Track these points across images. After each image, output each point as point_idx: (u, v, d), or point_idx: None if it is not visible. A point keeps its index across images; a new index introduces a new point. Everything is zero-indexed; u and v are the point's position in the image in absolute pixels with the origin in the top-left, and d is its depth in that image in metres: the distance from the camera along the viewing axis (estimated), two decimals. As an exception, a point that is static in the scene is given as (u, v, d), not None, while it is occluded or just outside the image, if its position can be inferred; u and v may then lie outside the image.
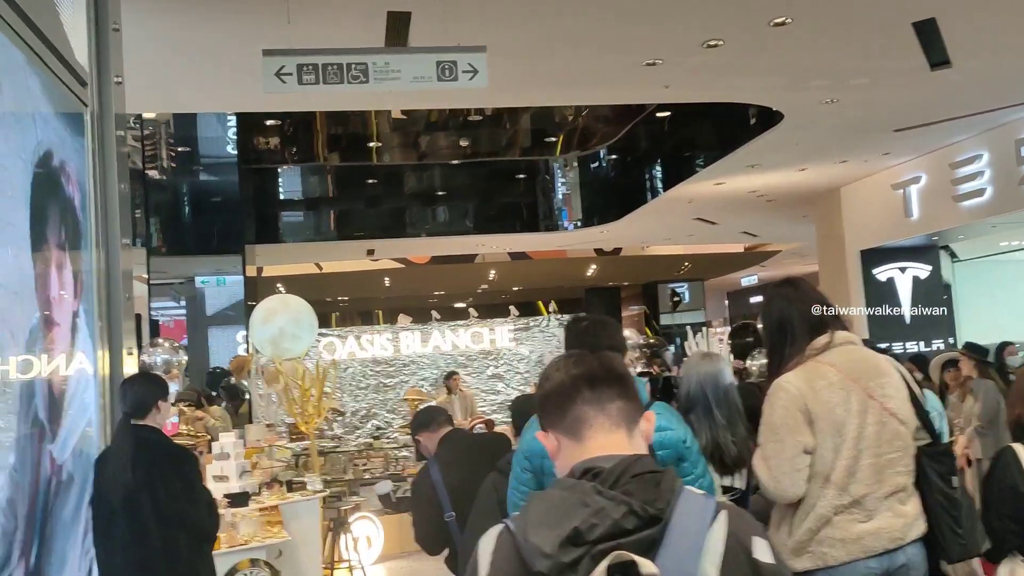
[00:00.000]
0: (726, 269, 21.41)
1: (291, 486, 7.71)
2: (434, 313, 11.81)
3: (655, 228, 14.75)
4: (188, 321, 15.58)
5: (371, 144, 14.83)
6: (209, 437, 7.57)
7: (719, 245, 18.55)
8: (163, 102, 8.14)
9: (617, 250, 18.08)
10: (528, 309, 13.64)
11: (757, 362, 8.67)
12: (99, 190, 3.98)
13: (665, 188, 11.91)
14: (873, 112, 8.01)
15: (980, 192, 9.21)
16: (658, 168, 12.54)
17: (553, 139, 14.56)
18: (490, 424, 9.18)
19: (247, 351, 12.11)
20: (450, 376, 10.59)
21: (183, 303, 15.98)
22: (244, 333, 14.41)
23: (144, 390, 3.60)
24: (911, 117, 8.20)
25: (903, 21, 5.67)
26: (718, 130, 10.37)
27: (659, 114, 11.40)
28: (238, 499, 6.73)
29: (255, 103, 8.33)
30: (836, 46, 6.20)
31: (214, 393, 10.78)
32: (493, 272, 18.28)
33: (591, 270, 18.81)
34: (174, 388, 8.42)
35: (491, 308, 12.30)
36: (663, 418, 2.52)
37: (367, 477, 8.47)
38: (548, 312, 12.01)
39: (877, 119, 8.27)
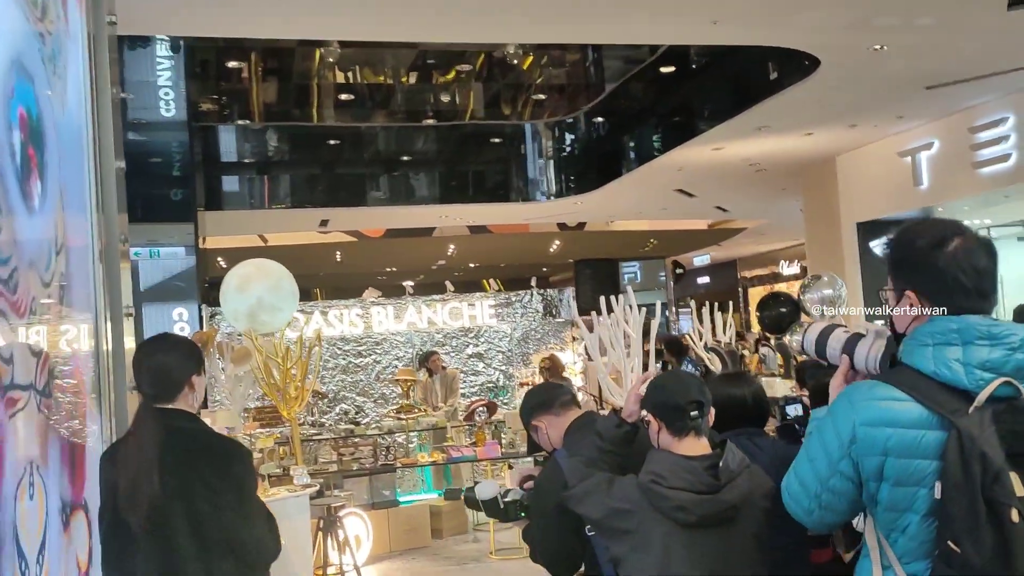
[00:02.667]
0: (688, 247, 20.93)
1: (271, 481, 6.67)
2: (408, 285, 10.78)
3: (632, 200, 14.02)
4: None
5: (331, 99, 13.57)
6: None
7: (685, 222, 17.99)
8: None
9: (581, 225, 17.30)
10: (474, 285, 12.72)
11: (799, 337, 7.99)
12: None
13: (657, 153, 11.13)
14: (917, 63, 7.41)
15: (1004, 158, 8.72)
16: (650, 132, 11.75)
17: (535, 99, 13.59)
18: (492, 406, 8.27)
19: (187, 331, 10.89)
20: (428, 356, 9.63)
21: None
22: (182, 311, 13.15)
23: (170, 361, 2.58)
24: (955, 70, 7.63)
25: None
26: (731, 87, 9.63)
27: (663, 69, 10.59)
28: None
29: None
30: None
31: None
32: (452, 247, 17.27)
33: (554, 246, 17.98)
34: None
35: (440, 287, 11.34)
36: None
37: (355, 468, 7.44)
38: (490, 288, 11.11)
39: (917, 72, 7.67)
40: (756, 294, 25.02)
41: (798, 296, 7.98)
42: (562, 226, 17.11)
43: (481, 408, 8.00)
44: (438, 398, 9.36)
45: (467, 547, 7.94)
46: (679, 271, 18.28)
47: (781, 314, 7.82)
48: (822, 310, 7.78)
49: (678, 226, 17.94)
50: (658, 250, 19.67)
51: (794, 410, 3.12)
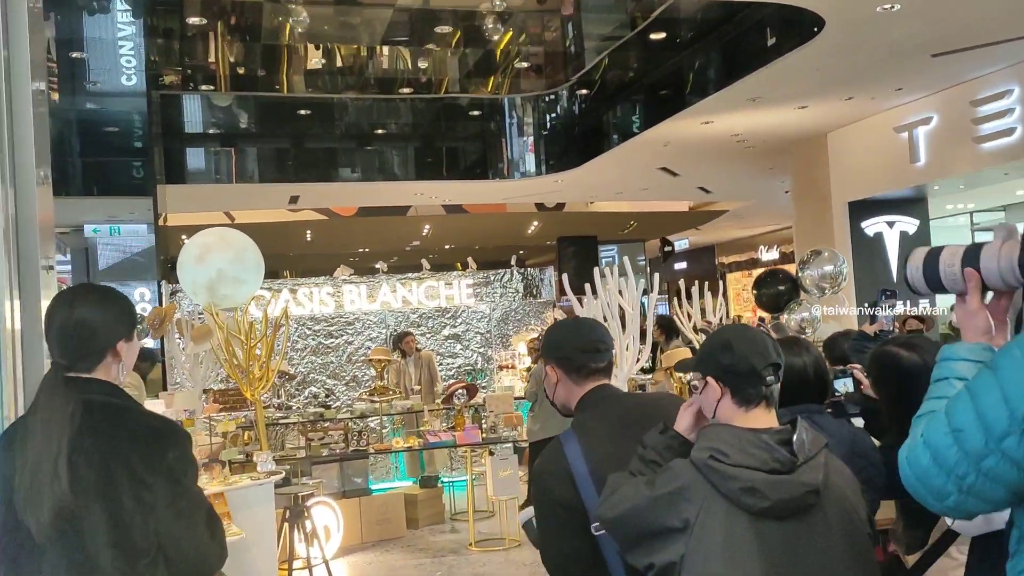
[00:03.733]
0: (668, 230, 20.54)
1: (233, 467, 6.13)
2: (380, 264, 10.22)
3: (613, 179, 13.56)
4: (73, 279, 13.46)
5: (300, 68, 12.91)
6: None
7: (666, 203, 17.59)
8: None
9: (560, 206, 16.82)
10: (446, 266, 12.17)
11: (797, 315, 7.59)
12: None
13: (643, 128, 10.66)
14: (925, 28, 6.99)
15: (1008, 132, 8.37)
16: (636, 105, 11.27)
17: (515, 71, 13.02)
18: (472, 389, 7.77)
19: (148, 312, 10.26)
20: (402, 338, 9.11)
21: (68, 256, 13.84)
22: (144, 291, 12.51)
23: (93, 319, 2.05)
24: (963, 37, 7.22)
25: None
26: (725, 56, 9.18)
27: (653, 36, 10.10)
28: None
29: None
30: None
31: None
32: (427, 227, 16.70)
33: (532, 227, 17.49)
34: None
35: (415, 269, 10.77)
36: None
37: (324, 454, 6.91)
38: (464, 269, 10.60)
39: (924, 38, 7.26)
40: (734, 280, 24.77)
41: (796, 273, 7.59)
42: (540, 207, 16.61)
43: (460, 391, 7.50)
44: (412, 381, 8.85)
45: (444, 538, 7.46)
46: (667, 248, 17.74)
47: (779, 292, 7.43)
48: (823, 288, 7.39)
49: (659, 207, 17.54)
50: (638, 232, 19.26)
51: (843, 385, 2.67)
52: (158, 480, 1.97)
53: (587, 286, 6.32)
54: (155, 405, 5.44)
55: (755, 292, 7.52)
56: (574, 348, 2.25)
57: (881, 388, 2.49)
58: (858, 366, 2.81)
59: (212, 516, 2.08)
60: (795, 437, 1.71)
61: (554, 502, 2.11)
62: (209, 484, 5.47)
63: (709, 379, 1.82)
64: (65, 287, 2.25)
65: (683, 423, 1.89)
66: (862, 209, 10.71)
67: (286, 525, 6.16)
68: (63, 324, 2.04)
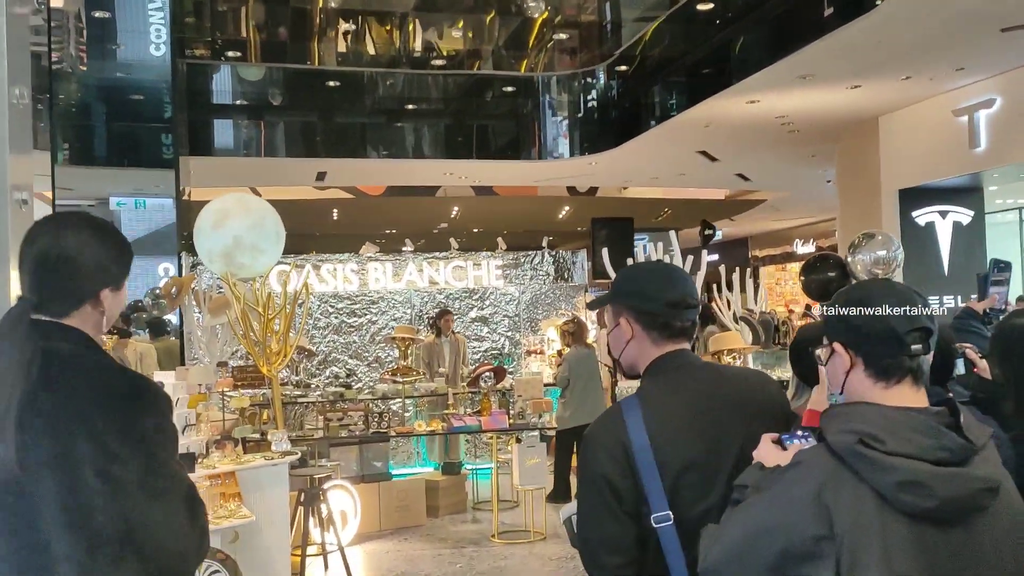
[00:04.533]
0: (697, 220, 20.01)
1: (247, 446, 5.82)
2: (407, 241, 9.87)
3: (650, 162, 13.11)
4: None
5: (331, 40, 12.58)
6: (138, 377, 5.57)
7: (702, 191, 17.09)
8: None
9: (592, 190, 16.38)
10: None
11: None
12: None
13: (684, 107, 10.20)
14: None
15: (1080, 116, 7.82)
16: (678, 83, 10.80)
17: (551, 47, 12.59)
18: (500, 372, 7.39)
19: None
20: (442, 315, 8.77)
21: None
22: (168, 266, 12.28)
23: (79, 253, 1.69)
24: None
25: None
26: (776, 29, 8.69)
27: (700, 6, 9.62)
28: (180, 464, 4.84)
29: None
30: None
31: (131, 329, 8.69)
32: (456, 208, 16.34)
33: (563, 212, 17.06)
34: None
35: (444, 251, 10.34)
36: None
37: (343, 435, 6.58)
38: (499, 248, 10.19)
39: (996, 8, 6.74)
40: (767, 274, 24.21)
41: (846, 258, 7.12)
42: (572, 191, 16.20)
43: (487, 373, 7.13)
44: (445, 361, 8.50)
45: (466, 528, 7.11)
46: (708, 232, 17.09)
47: (828, 279, 6.95)
48: (875, 275, 6.92)
49: (694, 195, 17.05)
50: (672, 220, 18.75)
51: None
52: (130, 451, 1.61)
53: (629, 263, 5.92)
54: (165, 377, 5.12)
55: (802, 278, 7.03)
56: (662, 300, 1.83)
57: (1009, 367, 2.07)
58: (968, 345, 2.39)
59: (193, 498, 1.71)
60: (962, 420, 1.30)
61: (600, 476, 1.72)
62: (220, 462, 5.16)
63: (836, 346, 1.42)
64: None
65: (768, 454, 1.50)
66: (913, 197, 10.18)
67: (300, 509, 5.84)
68: (43, 253, 1.68)
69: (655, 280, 1.90)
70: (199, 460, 5.05)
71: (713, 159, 12.94)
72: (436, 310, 8.98)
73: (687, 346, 1.92)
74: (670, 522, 1.63)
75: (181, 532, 1.64)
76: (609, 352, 2.02)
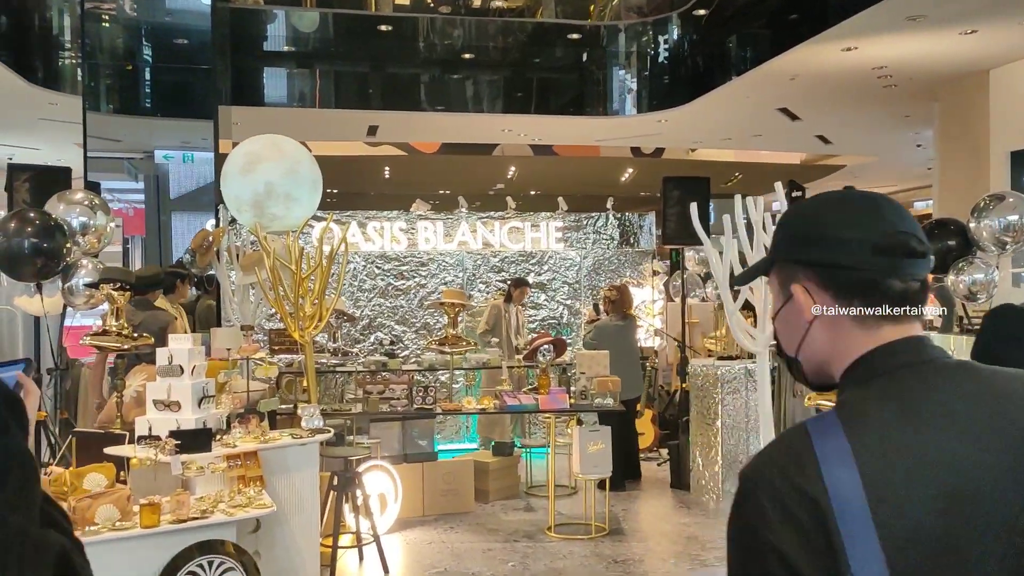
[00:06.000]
0: (770, 186, 18.85)
1: (274, 421, 5.19)
2: (461, 199, 9.10)
3: (724, 120, 12.11)
4: (147, 209, 12.86)
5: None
6: (151, 340, 4.95)
7: (776, 154, 15.96)
8: None
9: (658, 152, 15.39)
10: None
11: (967, 277, 6.15)
12: None
13: (770, 55, 9.18)
14: None
15: None
16: (761, 30, 9.77)
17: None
18: (560, 345, 6.62)
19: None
20: (519, 284, 8.10)
21: (141, 183, 13.22)
22: (213, 222, 11.79)
23: None
24: None
25: None
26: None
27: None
28: (194, 441, 4.28)
29: None
30: None
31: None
32: (513, 168, 15.51)
33: (626, 174, 16.11)
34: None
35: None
36: None
37: (385, 410, 5.90)
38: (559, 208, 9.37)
39: None
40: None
41: (968, 223, 6.15)
42: (636, 152, 15.22)
43: (546, 346, 6.36)
44: (511, 330, 7.80)
45: (518, 517, 6.39)
46: (796, 193, 15.90)
47: (947, 247, 6.02)
48: (1004, 243, 5.94)
49: (768, 158, 15.93)
50: (742, 186, 17.64)
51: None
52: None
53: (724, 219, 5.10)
54: (180, 342, 4.48)
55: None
56: (867, 244, 1.08)
57: None
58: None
59: (63, 553, 0.98)
60: None
61: (770, 550, 0.97)
62: (241, 440, 4.52)
63: None
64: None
65: None
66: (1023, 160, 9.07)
67: (333, 494, 5.19)
68: None
69: (849, 213, 1.11)
70: (218, 438, 4.42)
71: (795, 118, 11.88)
72: (512, 278, 8.39)
73: (919, 328, 1.12)
74: None
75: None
76: (779, 351, 1.22)
